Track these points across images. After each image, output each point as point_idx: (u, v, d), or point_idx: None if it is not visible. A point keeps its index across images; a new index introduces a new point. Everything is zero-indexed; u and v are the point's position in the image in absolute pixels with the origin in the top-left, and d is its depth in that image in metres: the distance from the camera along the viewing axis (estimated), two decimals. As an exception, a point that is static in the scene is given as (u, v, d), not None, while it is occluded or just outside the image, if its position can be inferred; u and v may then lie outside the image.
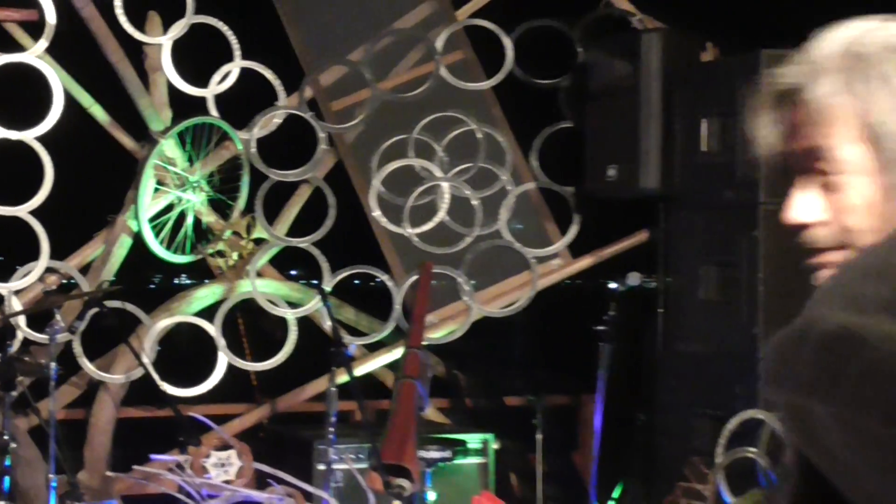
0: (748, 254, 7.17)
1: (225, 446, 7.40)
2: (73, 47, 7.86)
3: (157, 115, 7.95)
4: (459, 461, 7.78)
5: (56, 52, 7.79)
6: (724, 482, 7.03)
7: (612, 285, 7.37)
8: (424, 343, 8.18)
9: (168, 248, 7.91)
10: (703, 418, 7.46)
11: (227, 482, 7.08)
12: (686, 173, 7.75)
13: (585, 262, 8.46)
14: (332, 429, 6.75)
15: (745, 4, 8.66)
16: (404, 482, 6.85)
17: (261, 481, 7.27)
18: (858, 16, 1.79)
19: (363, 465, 7.31)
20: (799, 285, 5.21)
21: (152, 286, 10.92)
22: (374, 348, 8.28)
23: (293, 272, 8.74)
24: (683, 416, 7.57)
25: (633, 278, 7.27)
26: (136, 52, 8.06)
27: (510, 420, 8.48)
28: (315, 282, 8.34)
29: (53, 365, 6.55)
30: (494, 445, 8.42)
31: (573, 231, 8.43)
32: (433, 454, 7.36)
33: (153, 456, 7.28)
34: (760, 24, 8.32)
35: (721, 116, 7.45)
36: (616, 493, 7.98)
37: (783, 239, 5.68)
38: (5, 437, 6.34)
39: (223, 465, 7.36)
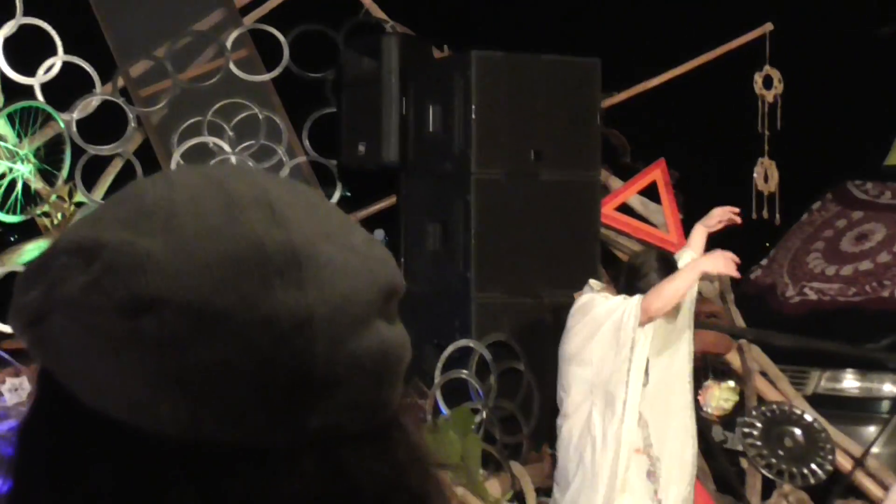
0: (463, 213, 8.04)
1: (17, 374, 7.71)
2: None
3: None
4: None
5: None
6: (441, 398, 7.87)
7: None
8: None
9: (0, 209, 8.85)
10: (430, 346, 8.13)
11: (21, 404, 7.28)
12: (417, 149, 8.57)
13: None
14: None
15: (472, 14, 9.98)
16: None
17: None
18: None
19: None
20: (501, 239, 7.04)
21: None
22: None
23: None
24: (415, 345, 8.28)
25: (378, 234, 8.49)
26: None
27: None
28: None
29: None
30: None
31: (336, 197, 9.42)
32: None
33: None
34: (479, 29, 9.67)
35: (442, 104, 8.25)
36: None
37: (490, 202, 7.44)
38: None
39: (16, 390, 7.60)
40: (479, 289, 8.01)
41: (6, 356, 8.17)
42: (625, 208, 9.30)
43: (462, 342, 7.91)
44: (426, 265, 8.54)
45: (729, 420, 8.85)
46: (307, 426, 1.04)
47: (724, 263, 6.34)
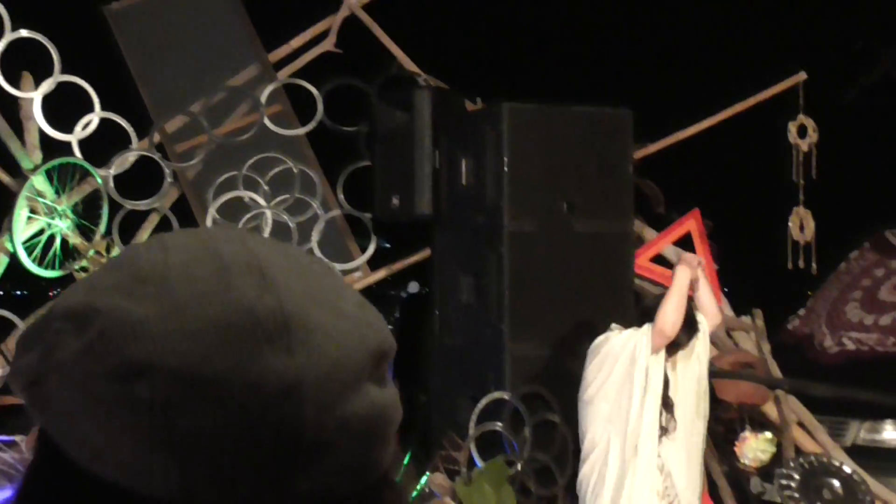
0: (496, 266, 8.03)
1: None
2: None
3: (28, 156, 9.00)
4: None
5: None
6: (475, 450, 7.83)
7: (399, 292, 8.67)
8: None
9: (40, 265, 8.91)
10: (464, 399, 8.15)
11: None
12: (450, 202, 8.61)
13: (381, 274, 9.56)
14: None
15: (504, 66, 10.02)
16: None
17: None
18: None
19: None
20: (535, 291, 7.02)
21: (25, 295, 11.72)
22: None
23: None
24: (450, 397, 8.33)
25: (413, 286, 8.56)
26: (11, 104, 9.04)
27: None
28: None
29: None
30: None
31: (371, 249, 9.49)
32: None
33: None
34: (512, 82, 9.68)
35: (474, 156, 8.30)
36: (405, 461, 8.46)
37: (523, 255, 7.44)
38: None
39: None
40: (513, 341, 8.01)
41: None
42: (659, 259, 9.27)
43: (496, 394, 7.91)
44: (460, 318, 8.56)
45: (767, 471, 8.78)
46: (296, 489, 1.05)
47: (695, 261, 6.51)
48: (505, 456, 7.86)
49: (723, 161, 12.53)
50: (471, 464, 7.87)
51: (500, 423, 7.87)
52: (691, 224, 9.28)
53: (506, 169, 8.08)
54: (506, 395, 7.92)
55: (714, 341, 9.20)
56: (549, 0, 12.87)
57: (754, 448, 8.86)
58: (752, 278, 8.30)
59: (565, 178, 8.25)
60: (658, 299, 6.51)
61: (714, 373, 7.60)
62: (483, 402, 7.95)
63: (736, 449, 8.83)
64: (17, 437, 7.34)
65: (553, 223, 8.21)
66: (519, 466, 7.86)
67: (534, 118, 8.22)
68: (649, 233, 9.40)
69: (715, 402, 8.61)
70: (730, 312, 9.42)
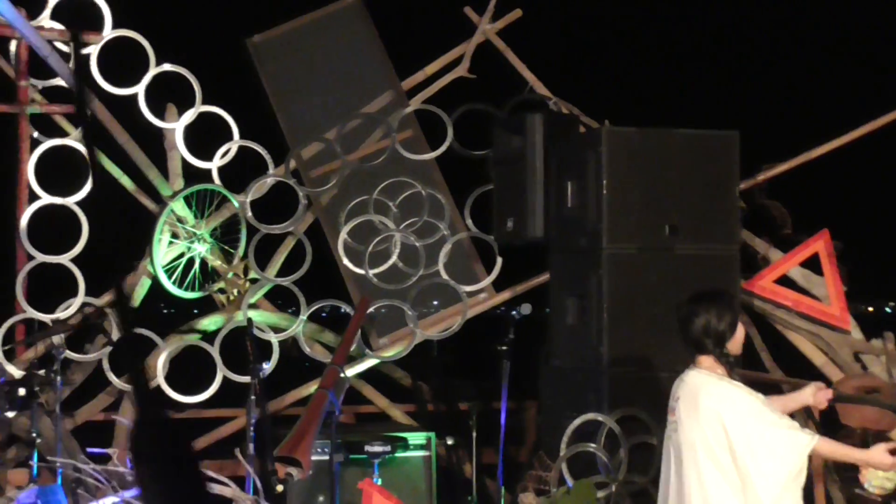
0: (597, 288, 8.11)
1: None
2: (105, 132, 9.35)
3: (166, 182, 9.44)
4: (407, 454, 8.79)
5: (92, 135, 9.48)
6: (566, 471, 7.90)
7: (512, 313, 8.55)
8: (381, 360, 9.42)
9: (180, 286, 9.35)
10: (569, 419, 8.09)
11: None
12: (558, 225, 8.72)
13: (505, 295, 9.67)
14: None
15: (640, 93, 9.96)
16: (293, 469, 7.64)
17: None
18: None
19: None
20: (635, 313, 7.03)
21: (166, 313, 12.05)
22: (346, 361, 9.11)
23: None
24: (557, 418, 8.35)
25: (526, 308, 8.52)
26: (157, 134, 9.55)
27: (461, 421, 9.31)
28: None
29: (59, 379, 7.91)
30: (449, 441, 9.47)
31: (496, 271, 9.63)
32: (376, 448, 8.40)
33: (89, 449, 7.99)
34: (644, 106, 9.66)
35: (579, 179, 8.37)
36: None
37: (623, 277, 7.49)
38: (34, 434, 7.75)
39: None
40: (612, 363, 8.04)
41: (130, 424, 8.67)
42: (785, 280, 9.13)
43: (589, 416, 7.96)
44: (566, 339, 8.65)
45: (890, 500, 8.54)
46: None
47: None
48: (597, 477, 7.88)
49: (852, 181, 12.21)
50: (561, 483, 7.90)
51: (592, 445, 7.88)
52: (819, 245, 9.10)
53: (605, 192, 8.12)
54: (600, 417, 7.93)
55: (840, 365, 9.01)
56: (684, 28, 12.79)
57: (880, 476, 8.62)
58: (882, 300, 8.05)
59: (668, 201, 8.24)
60: (709, 319, 5.94)
61: (838, 398, 7.40)
62: (576, 422, 8.02)
63: (860, 476, 8.61)
64: (109, 450, 7.63)
65: (655, 245, 8.20)
66: (613, 488, 7.85)
67: (634, 141, 8.23)
68: (775, 254, 9.26)
69: (838, 426, 8.44)
70: (859, 336, 9.20)
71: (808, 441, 5.54)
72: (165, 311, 9.87)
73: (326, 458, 8.29)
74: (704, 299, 5.74)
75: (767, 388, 8.94)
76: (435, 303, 9.77)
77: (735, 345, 5.76)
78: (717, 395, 5.59)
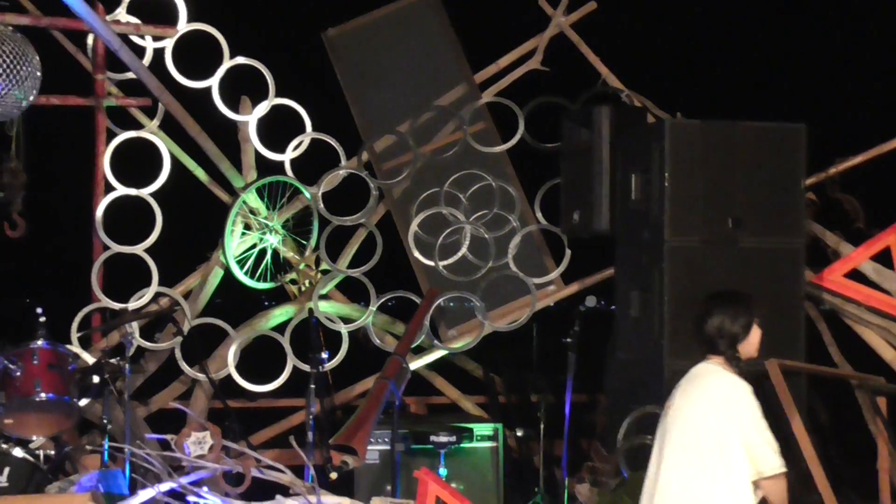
0: (659, 281, 8.03)
1: (203, 428, 8.17)
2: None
3: (239, 174, 9.52)
4: (475, 445, 8.81)
5: (167, 127, 9.51)
6: (623, 462, 7.86)
7: (581, 306, 8.54)
8: (449, 351, 9.46)
9: (252, 277, 9.47)
10: (631, 412, 8.06)
11: (201, 456, 7.65)
12: (623, 217, 8.68)
13: (574, 288, 9.68)
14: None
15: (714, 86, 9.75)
16: (349, 458, 7.66)
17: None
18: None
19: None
20: (695, 306, 6.83)
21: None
22: (416, 352, 9.44)
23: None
24: (621, 410, 8.24)
25: (591, 301, 8.39)
26: (231, 127, 9.68)
27: (531, 413, 9.34)
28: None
29: (127, 367, 7.88)
30: (518, 433, 9.56)
31: (565, 263, 9.65)
32: (442, 438, 8.51)
33: (148, 435, 8.00)
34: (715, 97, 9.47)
35: (643, 172, 8.30)
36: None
37: (685, 270, 7.43)
38: (105, 421, 7.82)
39: (200, 443, 8.04)
40: (672, 356, 7.96)
41: (190, 412, 8.78)
42: (856, 274, 9.00)
43: (647, 408, 7.89)
44: (629, 332, 8.61)
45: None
46: None
47: None
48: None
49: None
50: (618, 474, 7.88)
51: (649, 437, 7.79)
52: (891, 239, 8.94)
53: (667, 184, 8.06)
54: (658, 410, 7.83)
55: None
56: (761, 21, 12.62)
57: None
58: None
59: (732, 194, 8.15)
60: (722, 320, 5.87)
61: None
62: (633, 415, 8.02)
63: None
64: (168, 437, 7.75)
65: (717, 238, 8.11)
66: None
67: (698, 134, 8.15)
68: (845, 247, 9.13)
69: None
70: (932, 334, 9.04)
71: (778, 466, 5.53)
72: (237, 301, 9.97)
73: (389, 447, 8.38)
74: (721, 299, 5.79)
75: (836, 383, 8.87)
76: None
77: (749, 348, 5.78)
78: (723, 383, 5.64)
